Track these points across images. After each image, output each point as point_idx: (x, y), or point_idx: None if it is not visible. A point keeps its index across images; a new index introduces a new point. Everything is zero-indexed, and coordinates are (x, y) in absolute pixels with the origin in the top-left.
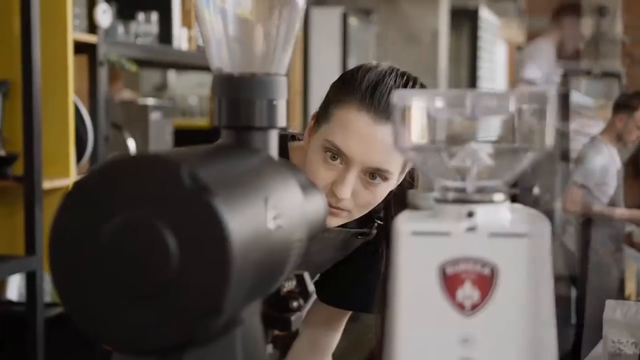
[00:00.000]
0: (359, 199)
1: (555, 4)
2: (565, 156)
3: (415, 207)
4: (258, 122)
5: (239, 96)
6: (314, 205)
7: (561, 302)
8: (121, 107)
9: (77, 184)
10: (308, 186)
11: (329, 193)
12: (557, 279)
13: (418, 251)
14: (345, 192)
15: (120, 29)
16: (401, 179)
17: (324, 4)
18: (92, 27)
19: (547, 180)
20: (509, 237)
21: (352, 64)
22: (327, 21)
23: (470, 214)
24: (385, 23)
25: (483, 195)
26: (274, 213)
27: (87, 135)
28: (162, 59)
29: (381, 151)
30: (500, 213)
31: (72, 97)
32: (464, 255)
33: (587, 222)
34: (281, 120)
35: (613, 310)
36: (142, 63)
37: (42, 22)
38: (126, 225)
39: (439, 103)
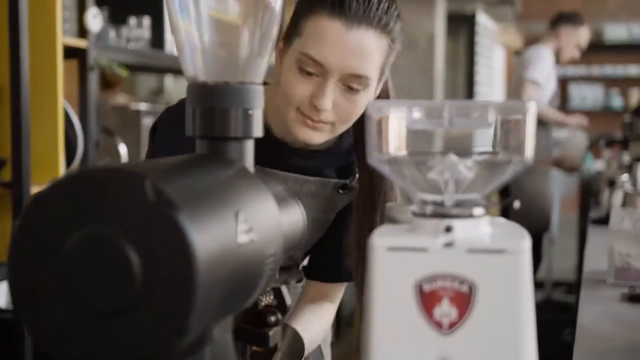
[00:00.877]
0: (340, 110)
1: (553, 13)
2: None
3: (393, 221)
4: (233, 132)
5: (213, 105)
6: (291, 217)
7: None
8: (114, 112)
9: (37, 197)
10: (284, 198)
11: (310, 107)
12: None
13: (394, 267)
14: (326, 103)
15: (112, 33)
16: (379, 89)
17: None
18: (83, 32)
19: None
20: (487, 253)
21: None
22: None
23: (448, 229)
24: None
25: (462, 209)
26: (246, 227)
27: (77, 140)
28: (154, 64)
29: (357, 56)
30: (479, 228)
31: (61, 102)
32: (441, 271)
33: None
34: (257, 130)
35: (620, 219)
36: (134, 68)
37: (31, 26)
38: (88, 241)
39: (416, 114)
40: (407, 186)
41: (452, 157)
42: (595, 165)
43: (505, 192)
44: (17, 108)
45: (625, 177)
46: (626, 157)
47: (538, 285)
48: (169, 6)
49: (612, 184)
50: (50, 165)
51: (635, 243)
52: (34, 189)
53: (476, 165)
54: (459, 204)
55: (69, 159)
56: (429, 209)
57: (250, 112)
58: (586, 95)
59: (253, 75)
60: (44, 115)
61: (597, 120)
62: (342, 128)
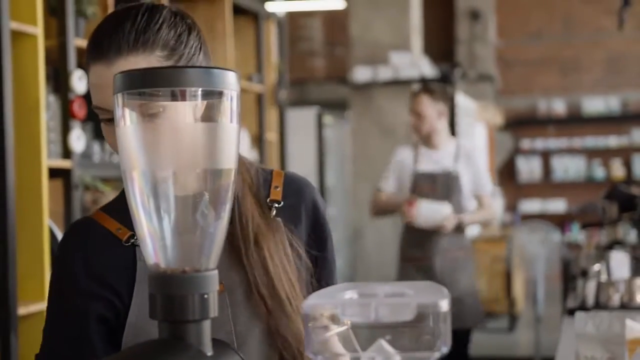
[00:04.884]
0: None
1: (533, 88)
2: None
3: None
4: (191, 315)
5: (172, 293)
6: None
7: None
8: None
9: None
10: None
11: None
12: None
13: None
14: None
15: (96, 147)
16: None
17: (301, 103)
18: (67, 152)
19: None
20: None
21: (328, 159)
22: (303, 120)
23: None
24: (361, 117)
25: None
26: None
27: None
28: None
29: None
30: None
31: (46, 222)
32: None
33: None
34: (213, 311)
35: (584, 323)
36: (119, 179)
37: (17, 150)
38: None
39: (348, 310)
40: None
41: (383, 343)
42: (580, 236)
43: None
44: (3, 230)
45: (597, 266)
46: (604, 239)
47: None
48: (130, 203)
49: (584, 273)
50: (35, 285)
51: (599, 347)
52: (21, 310)
53: (402, 352)
54: None
55: None
56: None
57: (206, 296)
58: (569, 167)
59: (208, 261)
60: (29, 236)
61: (580, 191)
62: None
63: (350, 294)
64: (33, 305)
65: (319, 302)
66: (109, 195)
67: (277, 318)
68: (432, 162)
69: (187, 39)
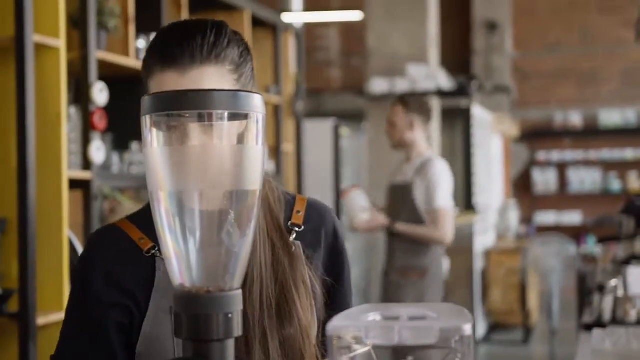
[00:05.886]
0: None
1: (549, 100)
2: None
3: None
4: (215, 335)
5: (197, 312)
6: None
7: None
8: None
9: None
10: None
11: None
12: None
13: None
14: None
15: (115, 158)
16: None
17: (317, 114)
18: (87, 163)
19: None
20: None
21: (345, 171)
22: (319, 132)
23: None
24: (377, 129)
25: None
26: None
27: None
28: None
29: None
30: None
31: (66, 233)
32: None
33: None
34: (237, 330)
35: (601, 339)
36: (138, 190)
37: (38, 161)
38: None
39: (371, 333)
40: None
41: None
42: (596, 248)
43: None
44: (24, 243)
45: (614, 282)
46: (620, 253)
47: None
48: (157, 222)
49: (601, 288)
50: (55, 296)
51: None
52: (40, 319)
53: None
54: None
55: None
56: None
57: (230, 315)
58: (585, 179)
59: (232, 280)
60: (49, 246)
61: (596, 203)
62: None
63: (374, 316)
64: (52, 315)
65: (343, 324)
66: (126, 205)
67: (290, 338)
68: (401, 174)
69: (247, 57)
